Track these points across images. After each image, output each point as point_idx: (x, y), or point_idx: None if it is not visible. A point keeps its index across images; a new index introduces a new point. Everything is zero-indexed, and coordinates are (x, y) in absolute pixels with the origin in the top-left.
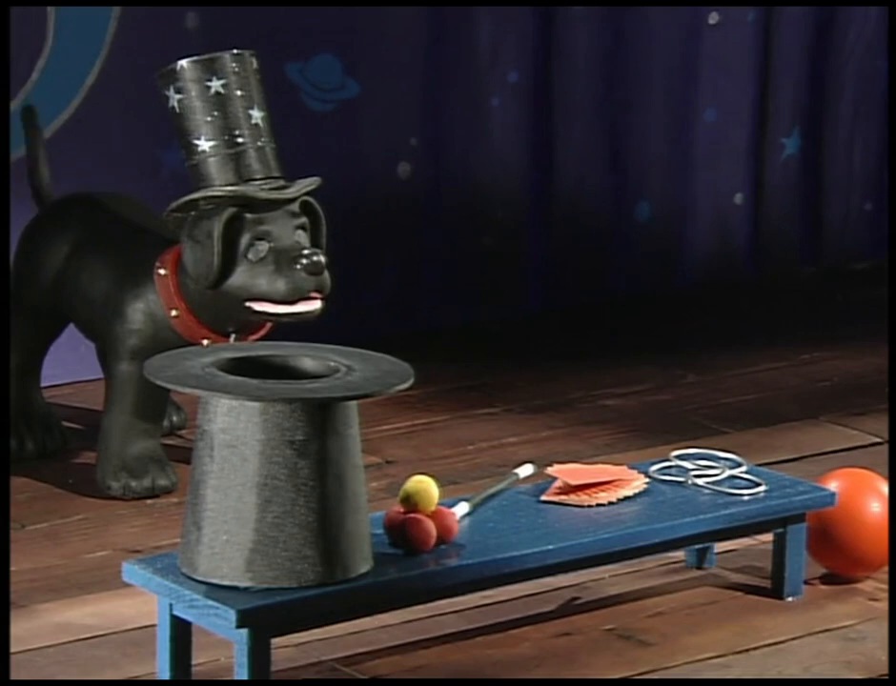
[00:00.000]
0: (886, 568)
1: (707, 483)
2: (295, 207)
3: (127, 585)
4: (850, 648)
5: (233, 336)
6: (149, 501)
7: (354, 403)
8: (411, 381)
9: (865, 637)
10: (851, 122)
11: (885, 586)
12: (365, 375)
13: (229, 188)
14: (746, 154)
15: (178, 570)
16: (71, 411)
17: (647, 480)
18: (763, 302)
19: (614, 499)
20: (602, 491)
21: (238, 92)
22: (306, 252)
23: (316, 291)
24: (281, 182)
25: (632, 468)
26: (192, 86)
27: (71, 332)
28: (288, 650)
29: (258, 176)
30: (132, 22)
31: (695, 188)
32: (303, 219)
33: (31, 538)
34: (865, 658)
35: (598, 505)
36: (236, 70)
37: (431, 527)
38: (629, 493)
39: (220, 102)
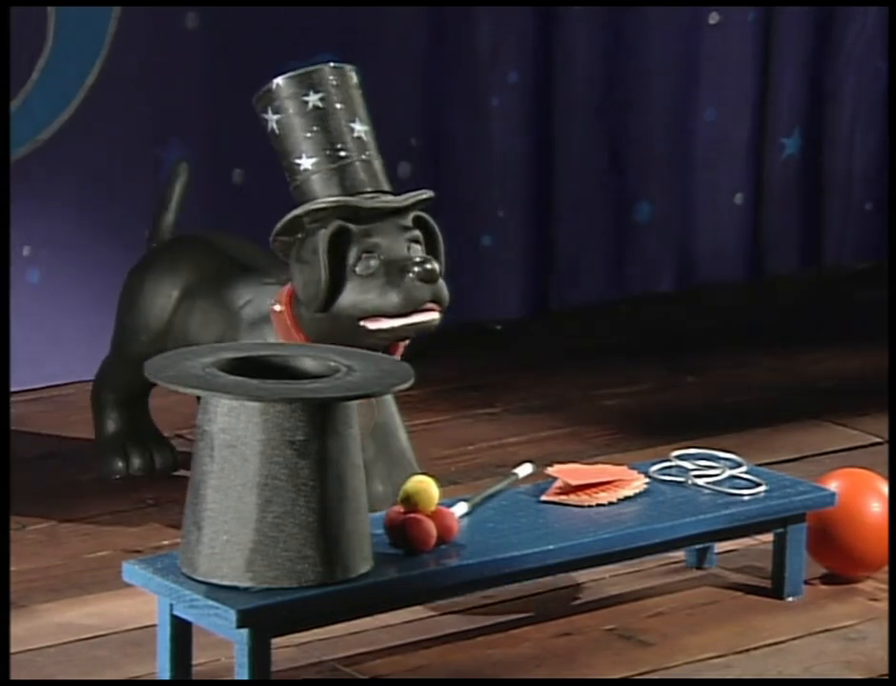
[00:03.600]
0: (886, 568)
1: (707, 483)
2: (407, 220)
3: (127, 585)
4: (850, 648)
5: None
6: (149, 501)
7: (354, 403)
8: (411, 381)
9: (865, 637)
10: (851, 122)
11: (885, 586)
12: (365, 375)
13: (331, 199)
14: (746, 154)
15: (178, 570)
16: (70, 411)
17: (647, 480)
18: (763, 302)
19: (614, 499)
20: (602, 491)
21: (338, 106)
22: (417, 259)
23: (433, 301)
24: (390, 196)
25: (632, 468)
26: (289, 103)
27: (72, 332)
28: (288, 650)
29: (366, 189)
30: (132, 22)
31: (695, 188)
32: (415, 232)
33: (32, 538)
34: (865, 658)
35: (598, 505)
36: (335, 82)
37: (431, 527)
38: (629, 493)
39: (319, 116)
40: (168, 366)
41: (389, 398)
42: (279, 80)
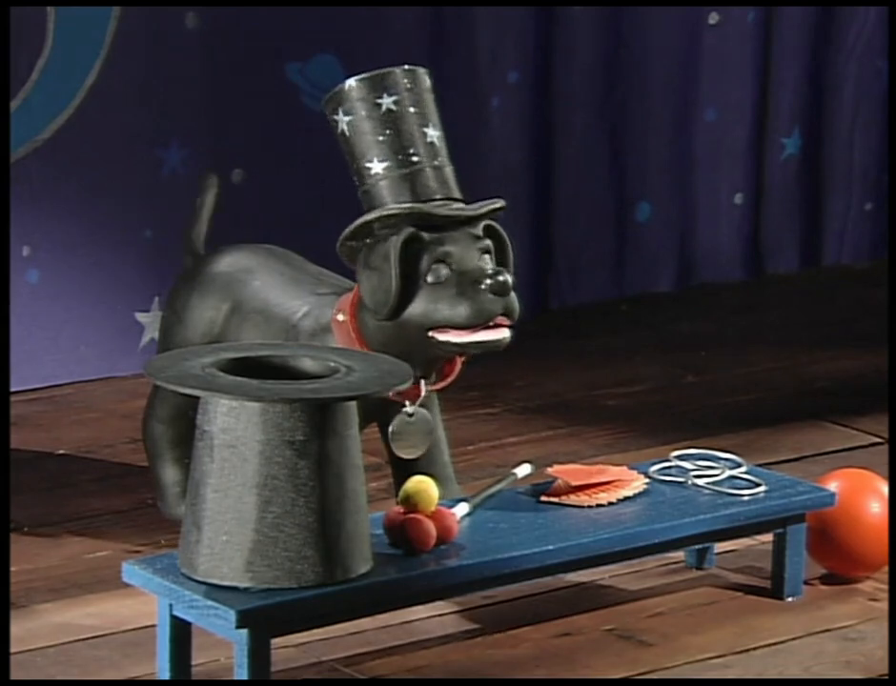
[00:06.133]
0: (886, 568)
1: (707, 483)
2: (478, 229)
3: (127, 585)
4: (850, 648)
5: (423, 383)
6: (149, 501)
7: (354, 403)
8: (411, 381)
9: (865, 637)
10: (851, 122)
11: (886, 586)
12: (365, 375)
13: (404, 205)
14: (746, 154)
15: (178, 570)
16: (70, 411)
17: (647, 480)
18: (763, 302)
19: (614, 499)
20: (602, 491)
21: (412, 109)
22: (490, 271)
23: (504, 315)
24: (461, 204)
25: (632, 468)
26: (360, 105)
27: (71, 330)
28: (288, 650)
29: (437, 197)
30: (132, 22)
31: (695, 188)
32: (487, 242)
33: (31, 538)
34: (865, 658)
35: (598, 505)
36: (409, 85)
37: (431, 527)
38: (629, 493)
39: (392, 120)
40: (168, 366)
41: (437, 411)
42: (351, 81)
